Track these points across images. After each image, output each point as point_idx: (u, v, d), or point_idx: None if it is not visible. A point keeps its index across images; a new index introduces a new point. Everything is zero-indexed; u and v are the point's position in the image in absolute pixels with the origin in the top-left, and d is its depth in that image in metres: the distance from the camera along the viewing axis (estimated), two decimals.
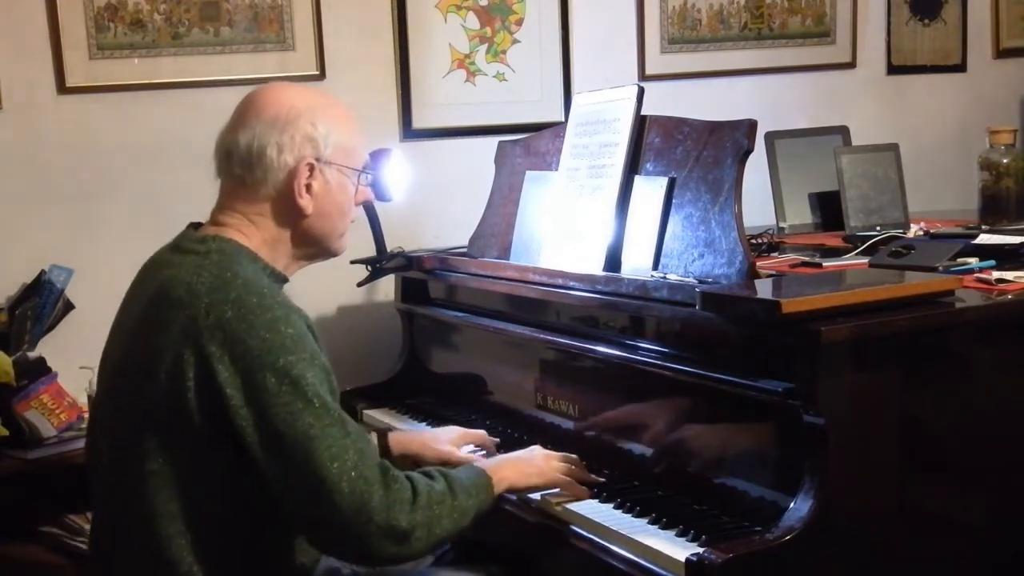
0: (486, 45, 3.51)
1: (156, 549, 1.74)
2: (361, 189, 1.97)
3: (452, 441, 2.28)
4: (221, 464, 1.73)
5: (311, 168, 1.86)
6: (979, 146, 3.11)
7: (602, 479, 2.10)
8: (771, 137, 3.22)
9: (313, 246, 1.94)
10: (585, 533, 1.95)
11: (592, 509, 1.99)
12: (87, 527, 2.71)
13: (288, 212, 1.88)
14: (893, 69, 4.06)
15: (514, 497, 2.08)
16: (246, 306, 1.72)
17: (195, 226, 1.93)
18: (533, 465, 2.04)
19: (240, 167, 1.86)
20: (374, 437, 2.24)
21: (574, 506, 2.01)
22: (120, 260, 3.07)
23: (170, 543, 1.73)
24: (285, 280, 1.92)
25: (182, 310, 1.72)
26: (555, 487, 2.05)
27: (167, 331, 1.72)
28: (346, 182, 1.92)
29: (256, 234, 1.87)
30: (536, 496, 2.06)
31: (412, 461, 2.25)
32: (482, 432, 2.36)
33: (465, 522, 1.84)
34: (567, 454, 2.12)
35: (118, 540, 1.83)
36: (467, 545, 2.20)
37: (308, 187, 1.86)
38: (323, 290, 3.19)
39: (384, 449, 2.24)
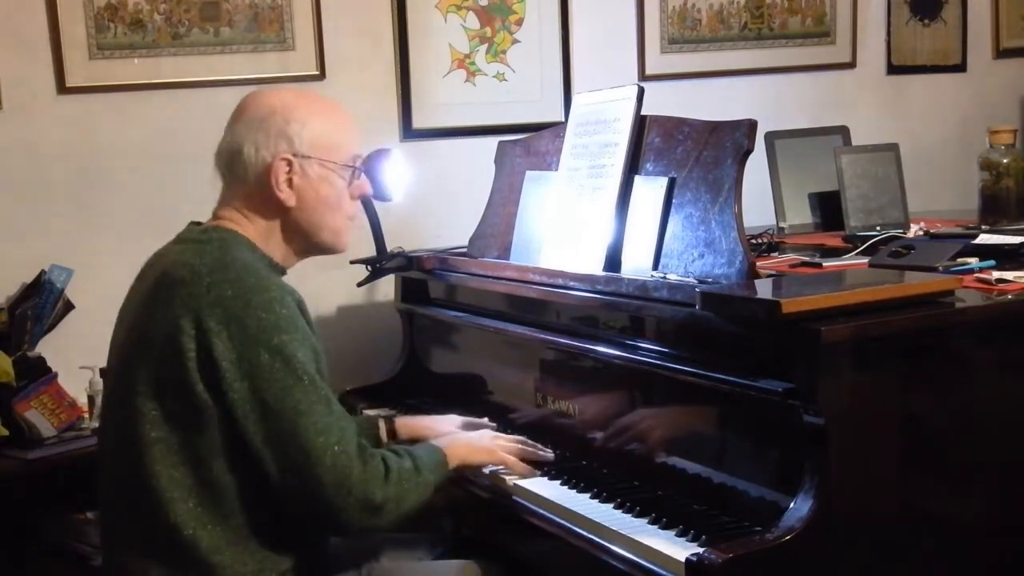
0: (486, 45, 3.51)
1: (161, 515, 1.81)
2: (356, 184, 2.03)
3: (456, 427, 2.35)
4: (221, 433, 1.81)
5: (288, 163, 1.94)
6: (979, 146, 3.10)
7: (551, 455, 2.22)
8: (771, 137, 3.21)
9: (304, 239, 2.01)
10: (585, 533, 1.95)
11: (592, 509, 1.99)
12: (88, 527, 2.72)
13: (272, 206, 1.96)
14: (893, 69, 4.06)
15: (519, 500, 2.10)
16: (245, 286, 1.81)
17: (196, 224, 2.01)
18: (481, 444, 2.18)
19: (224, 167, 1.98)
20: (381, 423, 2.34)
21: (574, 505, 2.01)
22: (120, 260, 3.08)
23: (174, 507, 1.81)
24: (283, 271, 2.01)
25: (184, 287, 1.82)
26: (501, 465, 2.18)
27: (170, 306, 1.81)
28: (331, 176, 1.98)
29: (250, 227, 1.97)
30: (486, 471, 2.18)
31: None
32: (484, 420, 2.41)
33: (427, 495, 1.96)
34: (516, 436, 2.25)
35: (124, 511, 1.88)
36: (465, 542, 2.22)
37: (289, 181, 1.95)
38: (323, 290, 3.19)
39: (391, 433, 2.33)
